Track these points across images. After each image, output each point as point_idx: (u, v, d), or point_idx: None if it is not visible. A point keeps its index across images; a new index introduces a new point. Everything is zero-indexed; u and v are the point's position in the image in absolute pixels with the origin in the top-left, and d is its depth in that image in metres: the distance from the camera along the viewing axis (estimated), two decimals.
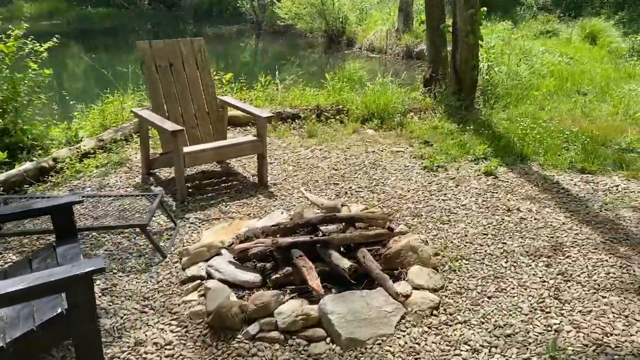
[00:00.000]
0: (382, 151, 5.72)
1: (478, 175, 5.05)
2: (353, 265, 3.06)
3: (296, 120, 6.76)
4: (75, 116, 6.69)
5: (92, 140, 5.69)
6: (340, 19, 18.37)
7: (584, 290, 3.14)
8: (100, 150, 5.59)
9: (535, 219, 4.10)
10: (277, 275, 3.10)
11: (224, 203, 4.41)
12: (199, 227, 4.00)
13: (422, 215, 4.19)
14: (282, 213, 3.92)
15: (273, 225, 3.39)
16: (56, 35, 6.39)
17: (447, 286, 3.21)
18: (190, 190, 4.69)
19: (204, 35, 24.82)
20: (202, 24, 27.44)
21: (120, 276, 3.34)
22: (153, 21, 31.00)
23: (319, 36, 19.96)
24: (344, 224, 3.51)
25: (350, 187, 4.75)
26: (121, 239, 3.81)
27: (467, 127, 6.38)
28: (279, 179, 4.96)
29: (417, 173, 5.10)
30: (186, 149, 4.32)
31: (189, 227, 4.01)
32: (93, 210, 3.83)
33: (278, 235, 3.35)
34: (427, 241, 3.60)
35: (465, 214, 4.21)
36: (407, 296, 2.98)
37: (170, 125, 4.23)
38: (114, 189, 4.67)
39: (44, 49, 6.01)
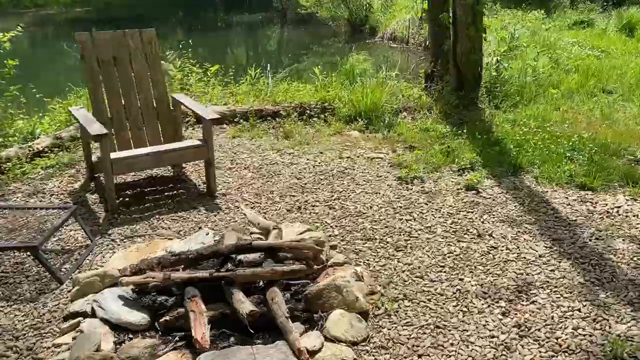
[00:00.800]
0: (357, 157, 5.13)
1: (458, 189, 4.42)
2: (254, 310, 2.54)
3: (277, 119, 6.23)
4: (35, 112, 6.33)
5: (48, 138, 5.33)
6: (364, 7, 17.62)
7: (540, 352, 2.53)
8: (56, 149, 5.22)
9: (507, 248, 3.47)
10: (167, 318, 2.61)
11: (157, 216, 3.94)
12: (119, 245, 3.55)
13: (375, 238, 3.61)
14: (207, 234, 3.42)
15: (173, 255, 2.89)
16: (21, 25, 6.06)
17: (372, 337, 2.65)
18: (127, 199, 4.24)
19: (229, 23, 24.68)
20: (232, 11, 27.12)
21: (2, 306, 2.92)
22: (181, 6, 30.89)
23: (342, 25, 19.29)
24: (262, 254, 2.98)
25: (307, 201, 4.20)
26: (25, 257, 3.39)
27: (462, 130, 5.72)
28: (231, 187, 4.46)
29: (388, 185, 4.50)
30: (114, 155, 3.86)
31: (108, 245, 3.56)
32: None
33: (177, 268, 2.86)
34: (362, 276, 3.03)
35: (427, 238, 3.61)
36: (314, 352, 2.44)
37: (95, 129, 3.77)
38: (46, 196, 4.27)
39: (6, 39, 5.69)
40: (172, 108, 4.65)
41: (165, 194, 4.37)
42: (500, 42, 9.24)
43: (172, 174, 4.79)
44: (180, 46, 8.50)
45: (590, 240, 3.55)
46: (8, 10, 28.59)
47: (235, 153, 5.24)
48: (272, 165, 4.93)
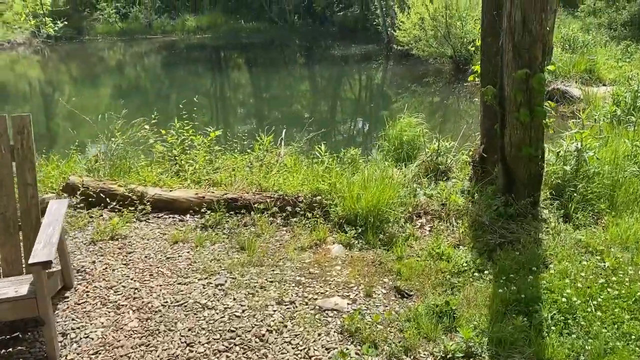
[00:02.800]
0: (303, 305, 3.49)
1: None
2: None
3: (252, 213, 4.80)
4: None
5: None
6: (470, 44, 15.57)
7: None
8: None
9: None
10: None
11: None
12: None
13: None
14: None
15: None
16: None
17: None
18: None
19: (329, 55, 23.74)
20: (346, 42, 26.30)
21: None
22: (302, 36, 30.80)
23: (446, 63, 17.37)
24: None
25: None
26: None
27: (493, 261, 3.85)
28: (86, 354, 3.08)
29: None
30: None
31: None
32: None
33: None
34: None
35: None
36: None
37: None
38: None
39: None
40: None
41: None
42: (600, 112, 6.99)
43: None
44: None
45: None
46: (136, 36, 30.51)
47: (142, 277, 3.86)
48: (176, 307, 3.48)
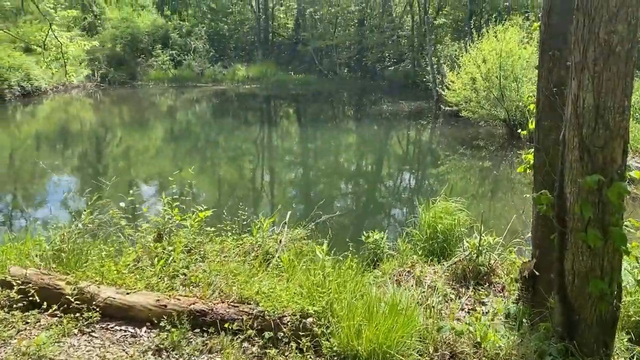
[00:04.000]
0: None
1: None
2: None
3: (221, 334, 3.69)
4: None
5: None
6: (526, 108, 14.25)
7: None
8: None
9: None
10: None
11: None
12: None
13: None
14: None
15: None
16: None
17: None
18: None
19: (378, 110, 22.93)
20: (395, 97, 25.51)
21: None
22: (351, 89, 30.30)
23: (499, 126, 16.10)
24: None
25: None
26: None
27: None
28: None
29: None
30: None
31: None
32: None
33: None
34: None
35: None
36: None
37: None
38: None
39: None
40: None
41: None
42: None
43: None
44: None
45: None
46: (187, 83, 30.84)
47: None
48: None
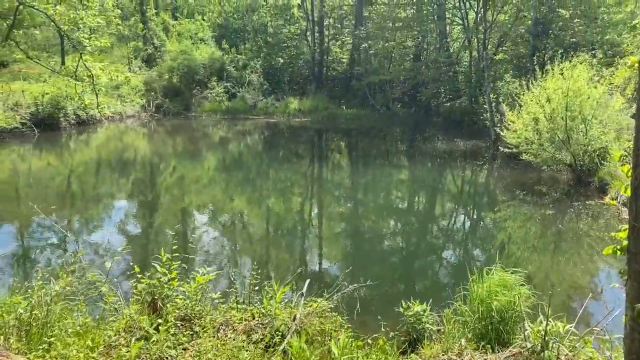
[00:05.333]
0: None
1: None
2: None
3: None
4: None
5: None
6: (595, 153, 12.90)
7: None
8: None
9: None
10: None
11: None
12: None
13: None
14: None
15: None
16: None
17: None
18: None
19: (431, 147, 21.86)
20: (450, 134, 24.40)
21: None
22: (404, 125, 29.40)
23: (563, 170, 14.71)
24: None
25: None
26: None
27: None
28: None
29: None
30: None
31: None
32: None
33: None
34: None
35: None
36: None
37: None
38: None
39: None
40: None
41: None
42: None
43: None
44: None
45: None
46: (240, 115, 30.86)
47: None
48: None
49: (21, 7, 7.34)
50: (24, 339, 3.52)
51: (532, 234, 11.02)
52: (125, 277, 5.54)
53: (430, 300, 5.33)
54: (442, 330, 4.91)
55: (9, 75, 25.80)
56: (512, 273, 4.85)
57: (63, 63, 26.03)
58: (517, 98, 14.98)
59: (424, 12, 31.30)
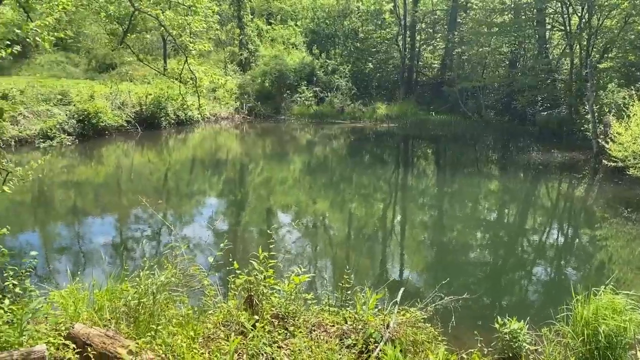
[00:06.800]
0: None
1: None
2: None
3: None
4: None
5: None
6: None
7: None
8: None
9: None
10: None
11: None
12: None
13: None
14: None
15: None
16: None
17: None
18: None
19: (526, 158, 20.78)
20: (546, 145, 23.18)
21: None
22: (496, 133, 28.33)
23: None
24: None
25: None
26: None
27: None
28: None
29: None
30: None
31: None
32: None
33: None
34: None
35: None
36: None
37: None
38: None
39: None
40: None
41: None
42: None
43: None
44: None
45: None
46: (327, 119, 31.16)
47: None
48: None
49: (136, 12, 7.85)
50: (131, 325, 3.75)
51: (637, 254, 10.21)
52: (214, 271, 5.74)
53: (527, 318, 5.08)
54: (541, 350, 4.65)
55: (117, 77, 27.77)
56: (624, 296, 4.50)
57: (165, 66, 27.62)
58: (624, 109, 13.96)
59: (523, 17, 30.00)
